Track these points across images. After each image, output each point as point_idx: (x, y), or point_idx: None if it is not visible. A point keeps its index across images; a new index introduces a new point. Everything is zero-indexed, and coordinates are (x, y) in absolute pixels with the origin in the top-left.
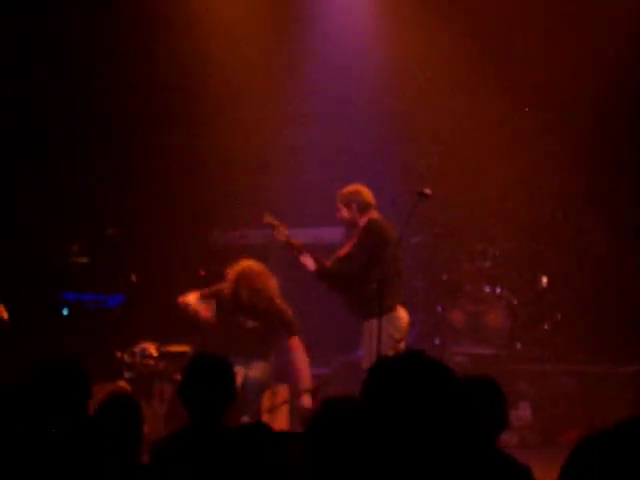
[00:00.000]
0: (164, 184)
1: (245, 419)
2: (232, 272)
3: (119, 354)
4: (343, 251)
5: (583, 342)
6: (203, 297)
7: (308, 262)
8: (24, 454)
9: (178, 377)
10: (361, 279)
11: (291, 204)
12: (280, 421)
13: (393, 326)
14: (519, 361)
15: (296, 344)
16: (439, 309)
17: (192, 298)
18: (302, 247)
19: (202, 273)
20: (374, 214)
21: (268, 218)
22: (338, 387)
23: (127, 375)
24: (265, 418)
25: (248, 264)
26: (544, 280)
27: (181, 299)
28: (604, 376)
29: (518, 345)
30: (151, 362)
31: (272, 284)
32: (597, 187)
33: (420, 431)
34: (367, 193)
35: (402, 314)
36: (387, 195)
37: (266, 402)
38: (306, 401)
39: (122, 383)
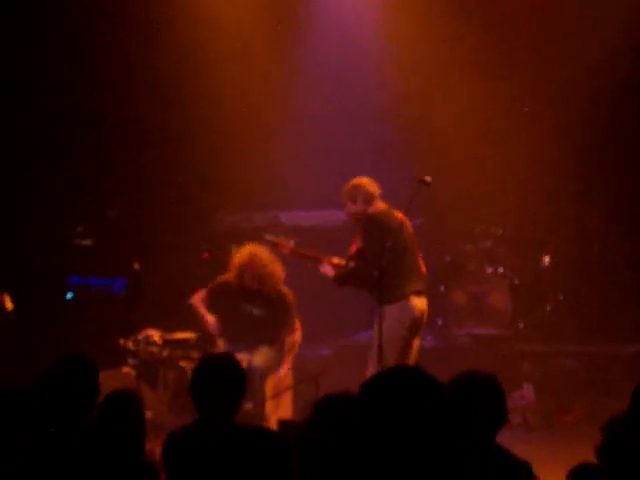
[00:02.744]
0: (168, 167)
1: (249, 406)
2: (238, 257)
3: (123, 341)
4: (354, 248)
5: (586, 322)
6: (211, 293)
7: (326, 269)
8: (30, 456)
9: (182, 364)
10: (375, 269)
11: (295, 186)
12: (284, 407)
13: (402, 314)
14: (522, 342)
15: (295, 326)
16: (442, 289)
17: (200, 303)
18: (314, 255)
19: (206, 255)
20: (379, 205)
21: (268, 237)
22: (339, 369)
23: (131, 362)
24: (269, 404)
25: (254, 249)
26: (546, 260)
27: (191, 301)
28: (607, 356)
29: (521, 325)
30: (155, 349)
31: (278, 269)
32: (598, 168)
33: (413, 438)
34: (370, 184)
35: (416, 303)
36: (387, 182)
37: (270, 389)
38: (283, 371)
39: (126, 370)
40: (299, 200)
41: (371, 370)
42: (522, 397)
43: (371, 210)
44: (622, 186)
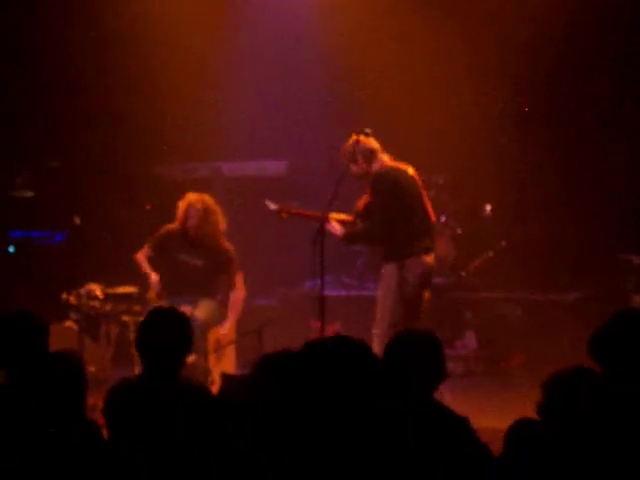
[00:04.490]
0: (108, 118)
1: (192, 358)
2: (182, 204)
3: (65, 296)
4: (361, 204)
5: (527, 270)
6: (153, 242)
7: (335, 228)
8: None
9: (125, 318)
10: (387, 226)
11: (236, 137)
12: (227, 360)
13: (408, 271)
14: (464, 290)
15: (238, 282)
16: None
17: (143, 258)
18: (318, 214)
19: (148, 207)
20: (383, 160)
21: (269, 205)
22: (283, 320)
23: (74, 316)
24: (211, 358)
25: (199, 197)
26: (488, 208)
27: (135, 255)
28: (548, 303)
29: (463, 274)
30: (97, 303)
31: (221, 220)
32: (541, 117)
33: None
34: (367, 140)
35: (424, 260)
36: (330, 134)
37: (213, 341)
38: (225, 328)
39: (69, 324)
40: (240, 151)
41: (377, 327)
42: (464, 345)
43: (377, 167)
44: (562, 136)
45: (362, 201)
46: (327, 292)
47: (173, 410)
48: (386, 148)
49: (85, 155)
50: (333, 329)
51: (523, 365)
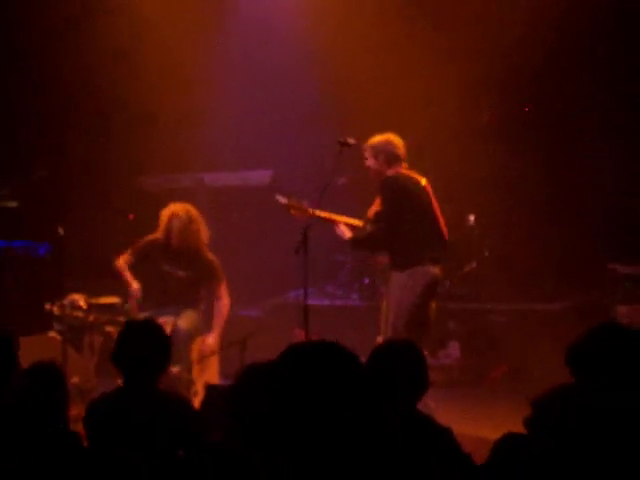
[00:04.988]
0: (94, 130)
1: (175, 369)
2: (165, 214)
3: (48, 306)
4: (373, 210)
5: (511, 280)
6: (135, 252)
7: (343, 231)
8: None
9: (108, 328)
10: (390, 233)
11: (219, 148)
12: (211, 371)
13: (414, 281)
14: (448, 299)
15: (222, 293)
16: None
17: (124, 266)
18: (329, 216)
19: (131, 217)
20: (401, 168)
21: (280, 199)
22: (267, 330)
23: (57, 327)
24: (195, 369)
25: (183, 207)
26: (471, 218)
27: (116, 263)
28: (532, 313)
29: (447, 283)
30: (80, 314)
31: (203, 229)
32: (523, 122)
33: (333, 408)
34: (399, 145)
35: (430, 270)
36: (313, 144)
37: (196, 352)
38: (210, 340)
39: (52, 335)
40: (223, 161)
41: (382, 336)
42: (448, 355)
43: (390, 173)
44: (545, 147)
45: (373, 207)
46: (311, 302)
47: (152, 423)
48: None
49: (69, 166)
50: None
51: (507, 375)
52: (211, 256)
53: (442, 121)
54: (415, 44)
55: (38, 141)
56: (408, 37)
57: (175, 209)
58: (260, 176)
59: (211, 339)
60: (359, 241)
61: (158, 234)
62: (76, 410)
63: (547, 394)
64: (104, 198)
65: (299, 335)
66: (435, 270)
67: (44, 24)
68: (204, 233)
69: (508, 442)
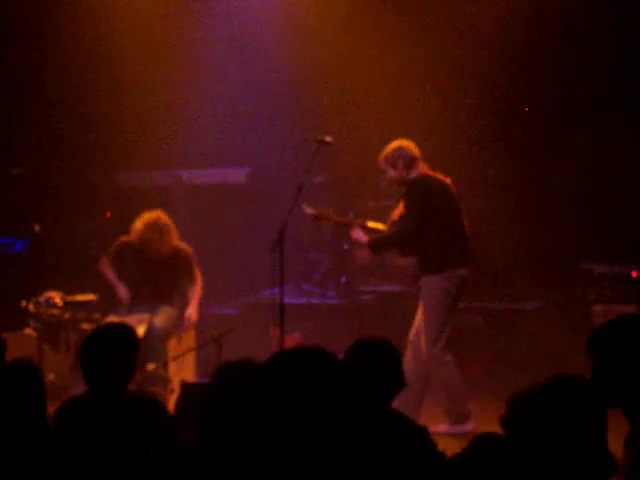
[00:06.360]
0: (69, 125)
1: (151, 367)
2: (138, 226)
3: (24, 303)
4: (396, 214)
5: (487, 279)
6: (112, 256)
7: (358, 234)
8: None
9: (84, 326)
10: (419, 236)
11: (196, 145)
12: (186, 369)
13: (448, 283)
14: None
15: (197, 289)
16: (345, 247)
17: (108, 269)
18: (346, 220)
19: (108, 214)
20: (422, 168)
21: (307, 210)
22: (243, 328)
23: (33, 324)
24: (171, 366)
25: (155, 218)
26: None
27: (99, 268)
28: (508, 312)
29: None
30: (56, 311)
31: (173, 230)
32: (504, 120)
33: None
34: (410, 146)
35: (462, 272)
36: (290, 142)
37: (172, 349)
38: (190, 310)
39: (28, 332)
40: (201, 159)
41: (416, 335)
42: None
43: (414, 174)
44: (523, 144)
45: (397, 211)
46: (287, 300)
47: (122, 427)
48: (346, 153)
49: (46, 163)
50: (293, 337)
51: (484, 373)
52: (183, 245)
53: (421, 120)
54: (392, 44)
55: (15, 138)
56: (384, 36)
57: (147, 221)
58: (237, 174)
59: (190, 309)
60: (380, 242)
61: (132, 238)
62: (52, 408)
63: (522, 392)
64: (81, 195)
65: (275, 334)
66: (465, 272)
67: (22, 22)
68: (174, 233)
69: (481, 441)
